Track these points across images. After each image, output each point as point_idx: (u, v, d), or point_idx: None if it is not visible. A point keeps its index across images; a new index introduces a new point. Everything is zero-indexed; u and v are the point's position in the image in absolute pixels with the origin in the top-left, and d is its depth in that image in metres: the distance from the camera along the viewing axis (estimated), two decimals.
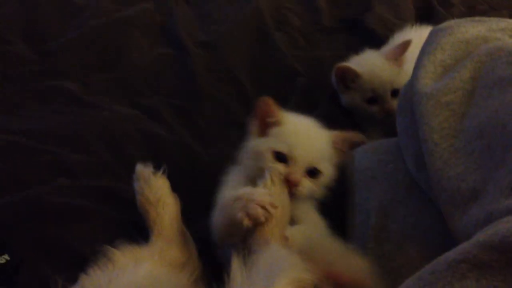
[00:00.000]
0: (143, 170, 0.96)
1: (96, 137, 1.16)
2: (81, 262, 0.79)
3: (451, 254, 0.52)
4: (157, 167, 0.99)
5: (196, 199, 1.06)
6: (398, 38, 1.45)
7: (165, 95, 1.39)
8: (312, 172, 0.93)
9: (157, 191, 0.93)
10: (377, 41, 1.55)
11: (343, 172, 1.07)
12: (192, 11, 1.79)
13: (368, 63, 1.30)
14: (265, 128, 0.97)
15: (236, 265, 0.70)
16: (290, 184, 0.89)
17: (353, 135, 1.04)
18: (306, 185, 0.92)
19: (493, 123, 0.72)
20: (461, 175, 0.73)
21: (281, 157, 0.91)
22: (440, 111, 0.81)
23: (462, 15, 1.84)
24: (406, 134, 0.94)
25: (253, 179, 0.90)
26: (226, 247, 0.86)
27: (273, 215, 0.79)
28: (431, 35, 0.94)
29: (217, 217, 0.85)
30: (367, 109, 1.28)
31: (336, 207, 1.01)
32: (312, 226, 0.92)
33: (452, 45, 0.89)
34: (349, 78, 1.29)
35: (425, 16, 1.82)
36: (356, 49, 1.63)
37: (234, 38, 1.64)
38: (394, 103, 1.22)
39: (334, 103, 1.36)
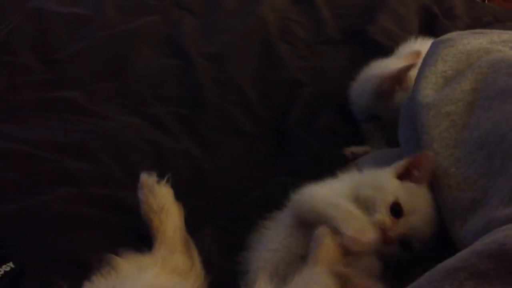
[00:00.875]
0: (147, 179, 0.97)
1: (100, 146, 1.17)
2: (85, 270, 0.79)
3: (449, 262, 0.53)
4: (161, 176, 1.00)
5: (199, 208, 1.07)
6: (403, 50, 1.46)
7: (170, 105, 1.39)
8: (405, 244, 0.82)
9: (160, 200, 0.94)
10: (380, 52, 1.56)
11: None
12: (198, 22, 1.81)
13: None
14: (409, 175, 0.85)
15: (263, 277, 0.71)
16: (383, 237, 0.79)
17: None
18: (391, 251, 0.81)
19: (494, 134, 0.73)
20: (461, 184, 0.74)
21: (397, 210, 0.81)
22: (441, 121, 0.81)
23: (466, 27, 1.85)
24: (408, 144, 0.95)
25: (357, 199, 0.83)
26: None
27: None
28: (432, 46, 0.95)
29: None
30: None
31: None
32: None
33: (454, 57, 0.90)
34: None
35: (429, 27, 1.83)
36: (359, 60, 1.64)
37: (239, 48, 1.65)
38: None
39: (337, 113, 1.37)
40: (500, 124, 0.73)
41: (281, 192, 0.99)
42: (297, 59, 1.66)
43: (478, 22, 1.97)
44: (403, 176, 0.85)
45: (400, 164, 0.86)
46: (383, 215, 0.79)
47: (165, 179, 0.98)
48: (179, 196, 1.00)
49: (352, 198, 0.83)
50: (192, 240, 0.95)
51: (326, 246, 0.76)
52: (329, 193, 0.84)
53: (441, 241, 0.78)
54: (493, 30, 0.96)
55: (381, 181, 0.84)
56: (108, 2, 1.79)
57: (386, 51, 1.55)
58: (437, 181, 0.77)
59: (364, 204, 0.81)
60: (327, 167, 1.12)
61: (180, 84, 1.48)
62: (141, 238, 0.92)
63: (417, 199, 0.81)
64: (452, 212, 0.73)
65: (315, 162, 1.17)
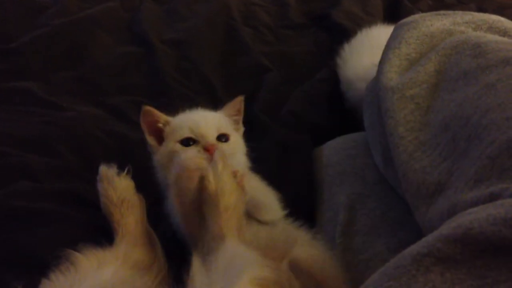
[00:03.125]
0: (107, 171, 0.93)
1: (59, 138, 1.13)
2: (43, 267, 0.76)
3: (415, 248, 0.52)
4: (122, 168, 0.97)
5: (162, 199, 1.05)
6: (366, 35, 1.45)
7: (131, 94, 1.36)
8: (222, 138, 0.95)
9: (121, 192, 0.91)
10: (345, 36, 1.55)
11: (312, 169, 1.07)
12: (159, 8, 1.77)
13: None
14: (160, 136, 0.98)
15: (196, 265, 0.70)
16: (210, 152, 0.89)
17: (236, 100, 1.06)
18: (225, 147, 0.93)
19: (458, 116, 0.72)
20: (427, 168, 0.73)
21: (190, 143, 0.92)
22: (405, 104, 0.81)
23: (430, 9, 1.86)
24: (373, 129, 0.94)
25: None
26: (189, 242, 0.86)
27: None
28: (396, 29, 0.94)
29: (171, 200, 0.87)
30: None
31: (305, 205, 1.00)
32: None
33: (417, 39, 0.89)
34: None
35: (393, 10, 1.83)
36: (324, 44, 1.63)
37: (202, 34, 1.62)
38: None
39: (303, 99, 1.35)
40: (464, 106, 0.72)
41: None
42: (261, 45, 1.64)
43: (441, 3, 1.99)
44: (160, 140, 0.97)
45: (148, 141, 0.98)
46: (190, 150, 0.90)
47: (125, 171, 0.95)
48: (141, 187, 0.97)
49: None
50: (155, 232, 0.93)
51: (224, 209, 0.78)
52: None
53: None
54: (456, 12, 0.96)
55: (162, 158, 0.95)
56: None
57: (351, 35, 1.54)
58: (402, 166, 0.77)
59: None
60: (293, 153, 1.11)
61: (142, 73, 1.45)
62: (102, 232, 0.90)
63: (183, 123, 0.95)
64: (418, 197, 0.73)
65: (281, 148, 1.16)
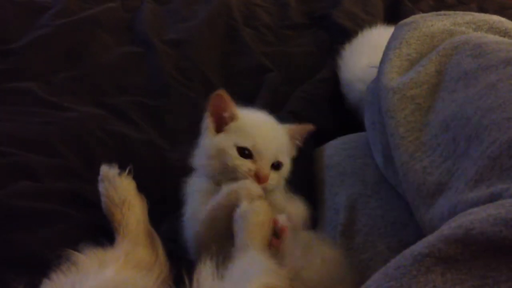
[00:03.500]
0: (108, 171, 0.94)
1: (60, 138, 1.13)
2: (44, 267, 0.76)
3: (416, 248, 0.52)
4: (123, 168, 0.97)
5: (164, 198, 1.05)
6: (367, 36, 1.45)
7: (132, 94, 1.36)
8: (276, 165, 0.92)
9: (122, 192, 0.91)
10: (345, 36, 1.55)
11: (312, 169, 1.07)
12: (159, 8, 1.77)
13: None
14: (221, 124, 0.93)
15: (207, 268, 0.70)
16: (260, 180, 0.87)
17: (306, 127, 1.01)
18: (274, 178, 0.91)
19: (458, 117, 0.72)
20: (427, 168, 0.73)
21: (245, 153, 0.88)
22: (406, 105, 0.81)
23: (430, 9, 1.86)
24: (374, 129, 0.94)
25: (219, 182, 0.89)
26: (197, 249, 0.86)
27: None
28: (396, 29, 0.95)
29: (202, 228, 0.85)
30: None
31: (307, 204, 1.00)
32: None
33: (418, 39, 0.90)
34: None
35: (393, 10, 1.83)
36: (325, 44, 1.64)
37: (203, 34, 1.62)
38: None
39: (303, 99, 1.35)
40: (465, 107, 0.73)
41: None
42: (261, 45, 1.64)
43: (442, 4, 1.99)
44: (219, 128, 0.93)
45: (208, 122, 0.94)
46: (244, 163, 0.87)
47: (126, 171, 0.95)
48: (142, 187, 0.97)
49: (215, 186, 0.89)
50: (157, 232, 0.93)
51: (252, 225, 0.79)
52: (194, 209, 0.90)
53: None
54: (457, 12, 0.96)
55: (213, 147, 0.91)
56: None
57: (351, 35, 1.55)
58: (403, 166, 0.77)
59: (223, 176, 0.89)
60: None
61: (142, 73, 1.45)
62: (103, 232, 0.90)
63: (250, 131, 0.90)
64: (418, 197, 0.73)
65: None
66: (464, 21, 0.92)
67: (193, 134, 1.25)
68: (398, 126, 0.80)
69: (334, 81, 1.39)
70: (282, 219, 0.81)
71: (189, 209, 0.91)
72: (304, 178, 1.06)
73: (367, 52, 1.32)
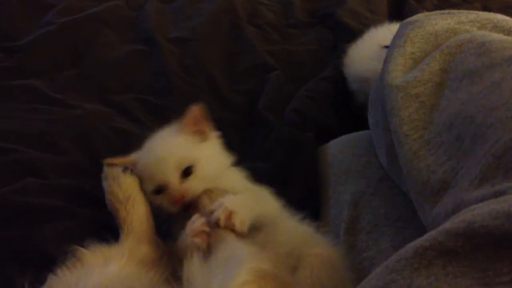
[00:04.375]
0: (112, 168, 0.94)
1: (65, 135, 1.13)
2: (49, 263, 0.77)
3: (418, 241, 0.52)
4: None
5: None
6: (373, 34, 1.45)
7: (136, 91, 1.37)
8: (187, 172, 0.91)
9: (126, 190, 0.91)
10: (349, 35, 1.55)
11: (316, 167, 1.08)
12: (164, 6, 1.78)
13: None
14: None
15: (196, 260, 0.70)
16: (179, 202, 0.89)
17: (193, 111, 0.99)
18: (194, 184, 0.91)
19: (462, 115, 0.72)
20: (431, 166, 0.73)
21: (160, 189, 0.91)
22: (410, 103, 0.81)
23: (434, 8, 1.86)
24: (378, 127, 0.94)
25: None
26: None
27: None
28: (400, 28, 0.95)
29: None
30: None
31: (309, 204, 1.01)
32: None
33: (422, 38, 0.90)
34: None
35: (398, 9, 1.83)
36: (329, 43, 1.64)
37: (207, 32, 1.63)
38: None
39: (307, 97, 1.35)
40: (469, 105, 0.73)
41: (251, 178, 0.98)
42: (266, 43, 1.64)
43: (446, 2, 1.99)
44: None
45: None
46: (160, 203, 0.91)
47: (130, 168, 0.95)
48: None
49: None
50: (162, 228, 0.93)
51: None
52: None
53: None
54: (461, 11, 0.96)
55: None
56: None
57: (355, 34, 1.55)
58: (406, 164, 0.77)
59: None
60: (297, 151, 1.12)
61: (147, 70, 1.45)
62: (107, 229, 0.90)
63: (144, 167, 0.92)
64: (422, 195, 0.73)
65: (286, 147, 1.16)
66: (468, 20, 0.92)
67: None
68: (402, 124, 0.80)
69: (338, 79, 1.40)
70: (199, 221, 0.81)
71: None
72: (308, 176, 1.06)
73: (374, 50, 1.32)
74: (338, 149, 1.08)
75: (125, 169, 0.94)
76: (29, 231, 0.89)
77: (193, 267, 0.69)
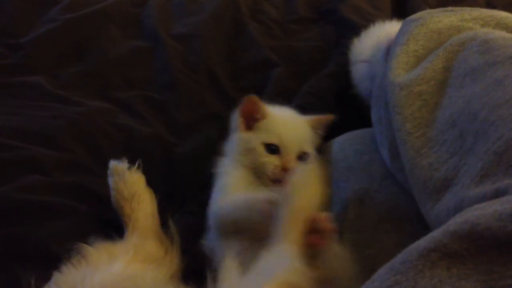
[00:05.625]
0: (117, 165, 0.95)
1: (68, 132, 1.14)
2: (54, 261, 0.78)
3: (422, 243, 0.52)
4: (132, 162, 0.98)
5: (172, 193, 1.06)
6: (378, 30, 1.44)
7: (140, 88, 1.37)
8: (302, 157, 0.97)
9: (131, 186, 0.92)
10: (352, 31, 1.55)
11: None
12: (167, 2, 1.77)
13: None
14: (250, 123, 1.00)
15: (229, 262, 0.70)
16: (286, 173, 0.91)
17: (326, 117, 1.07)
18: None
19: (465, 113, 0.72)
20: (434, 164, 0.73)
21: (272, 149, 0.95)
22: (413, 101, 0.81)
23: (438, 3, 1.85)
24: (381, 125, 0.95)
25: (252, 170, 0.95)
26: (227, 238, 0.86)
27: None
28: (403, 25, 0.95)
29: (233, 212, 0.86)
30: None
31: None
32: None
33: (425, 35, 0.90)
34: None
35: (401, 5, 1.82)
36: (332, 39, 1.63)
37: (210, 29, 1.62)
38: None
39: (310, 93, 1.35)
40: (472, 103, 0.73)
41: None
42: (269, 39, 1.64)
43: None
44: (248, 126, 0.99)
45: (237, 121, 1.00)
46: (270, 161, 0.93)
47: (136, 165, 0.96)
48: (150, 181, 0.98)
49: (248, 171, 0.95)
50: (167, 225, 0.93)
51: (290, 220, 0.75)
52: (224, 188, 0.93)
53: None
54: (464, 8, 0.95)
55: (243, 144, 0.97)
56: None
57: (359, 30, 1.54)
58: (409, 162, 0.77)
59: (255, 170, 0.95)
60: None
61: (150, 67, 1.45)
62: (112, 226, 0.91)
63: (276, 128, 0.97)
64: (424, 193, 0.73)
65: None
66: (471, 17, 0.91)
67: (200, 128, 1.27)
68: (405, 122, 0.80)
69: (341, 75, 1.39)
70: (327, 217, 0.78)
71: (220, 188, 0.95)
72: None
73: (378, 46, 1.31)
74: (341, 146, 1.08)
75: (131, 166, 0.95)
76: (33, 228, 0.90)
77: (226, 267, 0.69)
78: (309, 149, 1.00)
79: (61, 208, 0.95)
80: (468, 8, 0.95)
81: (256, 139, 0.96)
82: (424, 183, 0.74)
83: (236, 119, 1.01)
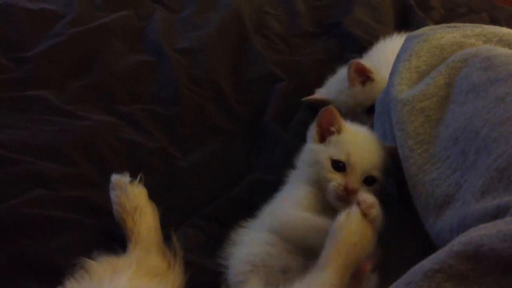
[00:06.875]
0: (120, 179, 0.95)
1: (73, 146, 1.14)
2: (58, 275, 0.78)
3: (426, 264, 0.52)
4: (137, 176, 0.98)
5: (176, 207, 1.06)
6: (383, 45, 1.45)
7: (144, 102, 1.37)
8: (369, 180, 0.92)
9: (134, 200, 0.92)
10: (356, 45, 1.56)
11: None
12: (172, 17, 1.79)
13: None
14: (325, 134, 0.97)
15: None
16: (348, 193, 0.87)
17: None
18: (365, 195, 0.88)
19: (467, 129, 0.73)
20: (435, 180, 0.74)
21: (339, 166, 0.91)
22: (416, 117, 0.81)
23: (441, 18, 1.86)
24: (385, 139, 0.95)
25: (314, 184, 0.92)
26: None
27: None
28: (406, 41, 0.95)
29: (301, 230, 0.84)
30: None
31: None
32: None
33: (427, 52, 0.90)
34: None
35: (405, 19, 1.83)
36: (335, 53, 1.64)
37: (214, 43, 1.63)
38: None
39: (314, 108, 1.36)
40: (474, 119, 0.73)
41: (258, 190, 0.99)
42: (273, 53, 1.65)
43: (453, 13, 1.99)
44: (322, 138, 0.96)
45: (313, 132, 0.97)
46: (334, 179, 0.89)
47: (137, 179, 0.96)
48: (154, 195, 0.99)
49: (310, 185, 0.92)
50: (170, 239, 0.93)
51: (342, 243, 0.74)
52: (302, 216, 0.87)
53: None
54: (466, 24, 0.96)
55: (311, 155, 0.95)
56: None
57: (362, 44, 1.55)
58: (411, 178, 0.77)
59: (320, 184, 0.91)
60: None
61: (154, 81, 1.46)
62: (115, 240, 0.91)
63: (347, 145, 0.92)
64: (426, 209, 0.74)
65: (292, 158, 1.16)
66: (473, 34, 0.92)
67: (204, 142, 1.27)
68: (408, 139, 0.80)
69: None
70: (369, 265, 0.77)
71: (287, 198, 0.92)
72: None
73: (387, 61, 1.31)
74: None
75: (133, 180, 0.96)
76: (37, 243, 0.90)
77: None
78: (378, 174, 0.92)
79: (67, 222, 0.95)
80: (471, 25, 0.96)
81: (325, 152, 0.93)
82: (426, 199, 0.74)
83: (312, 129, 0.99)
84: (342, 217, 0.76)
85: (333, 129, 0.95)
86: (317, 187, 0.91)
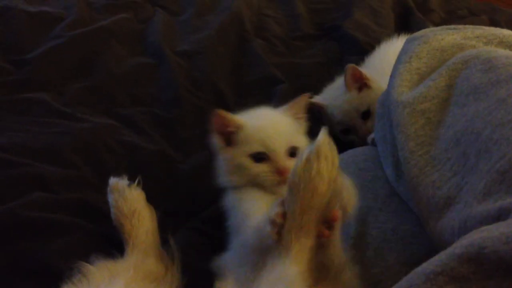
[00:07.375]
0: (117, 182, 0.94)
1: (73, 148, 1.14)
2: (55, 278, 0.77)
3: (429, 266, 0.52)
4: (135, 178, 0.98)
5: (175, 210, 1.06)
6: (384, 49, 1.45)
7: (144, 105, 1.38)
8: (294, 152, 0.91)
9: (132, 204, 0.92)
10: (356, 47, 1.55)
11: None
12: (172, 19, 1.79)
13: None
14: (229, 138, 0.95)
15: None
16: (282, 174, 0.87)
17: (301, 99, 1.02)
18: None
19: (468, 131, 0.72)
20: (436, 182, 0.73)
21: (260, 157, 0.90)
22: (416, 119, 0.81)
23: (442, 20, 1.86)
24: (384, 142, 0.94)
25: (250, 184, 0.91)
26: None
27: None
28: (406, 43, 0.95)
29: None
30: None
31: None
32: None
33: (428, 53, 0.90)
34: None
35: (405, 22, 1.83)
36: (335, 56, 1.64)
37: (214, 45, 1.63)
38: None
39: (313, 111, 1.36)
40: (475, 121, 0.73)
41: None
42: (273, 56, 1.65)
43: (453, 15, 1.99)
44: (228, 142, 0.94)
45: (216, 141, 0.96)
46: (262, 171, 0.89)
47: (135, 182, 0.96)
48: (154, 197, 0.98)
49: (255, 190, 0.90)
50: (168, 242, 0.93)
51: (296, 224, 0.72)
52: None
53: None
54: (467, 26, 0.96)
55: (228, 163, 0.94)
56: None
57: (362, 47, 1.55)
58: (412, 181, 0.77)
59: (254, 182, 0.90)
60: None
61: (155, 83, 1.46)
62: (113, 243, 0.90)
63: (256, 135, 0.91)
64: (427, 210, 0.73)
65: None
66: (474, 35, 0.92)
67: (204, 145, 1.27)
68: (408, 141, 0.80)
69: None
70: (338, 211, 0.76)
71: (241, 219, 0.88)
72: None
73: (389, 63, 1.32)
74: (345, 164, 1.07)
75: (131, 183, 0.95)
76: (36, 246, 0.90)
77: None
78: (298, 141, 0.93)
79: (66, 225, 0.95)
80: (471, 26, 0.96)
81: (240, 153, 0.92)
82: (426, 202, 0.74)
83: (213, 140, 0.97)
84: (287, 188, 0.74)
85: (231, 129, 0.94)
86: (255, 185, 0.90)
